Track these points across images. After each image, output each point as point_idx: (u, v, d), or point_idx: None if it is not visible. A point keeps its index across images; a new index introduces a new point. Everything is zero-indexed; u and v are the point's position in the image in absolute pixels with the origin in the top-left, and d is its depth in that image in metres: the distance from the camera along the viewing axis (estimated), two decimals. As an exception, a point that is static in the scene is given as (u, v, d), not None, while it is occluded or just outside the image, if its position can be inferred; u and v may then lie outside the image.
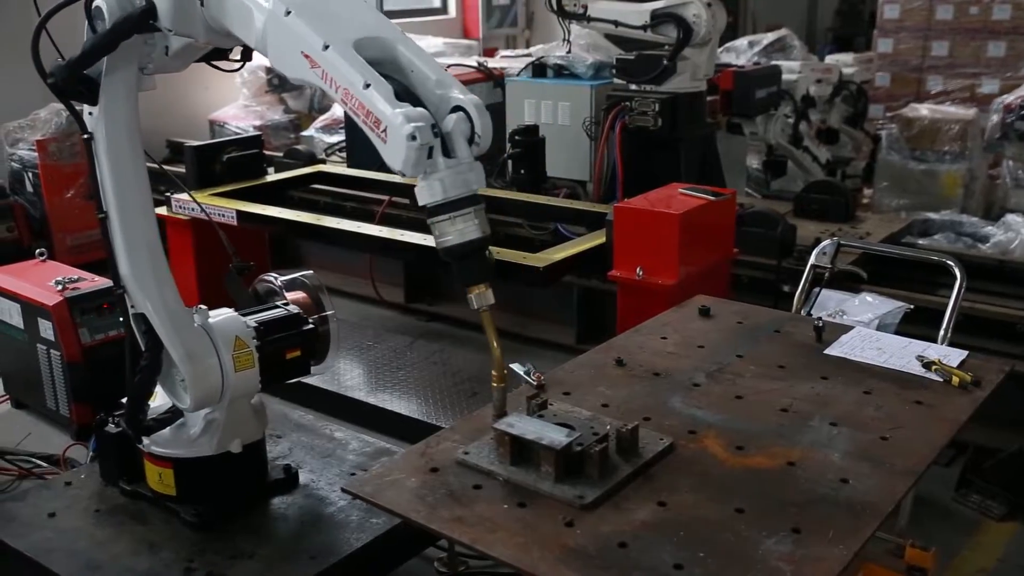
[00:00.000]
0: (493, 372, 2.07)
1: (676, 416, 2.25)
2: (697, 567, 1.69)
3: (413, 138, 1.82)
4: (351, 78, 1.87)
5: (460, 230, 1.92)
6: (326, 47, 1.89)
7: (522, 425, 2.00)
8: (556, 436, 1.96)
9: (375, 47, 1.97)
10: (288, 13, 1.92)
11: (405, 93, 1.91)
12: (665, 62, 4.78)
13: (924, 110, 6.50)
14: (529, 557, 1.73)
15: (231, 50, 2.27)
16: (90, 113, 2.24)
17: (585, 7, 5.01)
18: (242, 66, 2.33)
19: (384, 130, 1.84)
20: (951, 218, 5.69)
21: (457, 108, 1.91)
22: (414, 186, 1.94)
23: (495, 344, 2.02)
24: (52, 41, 2.17)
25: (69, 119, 6.14)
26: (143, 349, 2.48)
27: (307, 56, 1.91)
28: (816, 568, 1.69)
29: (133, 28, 2.10)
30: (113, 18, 2.11)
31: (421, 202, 1.93)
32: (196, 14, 2.08)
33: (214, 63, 2.30)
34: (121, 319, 2.51)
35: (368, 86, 1.85)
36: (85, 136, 2.27)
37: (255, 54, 2.23)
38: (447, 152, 1.89)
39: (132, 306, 2.44)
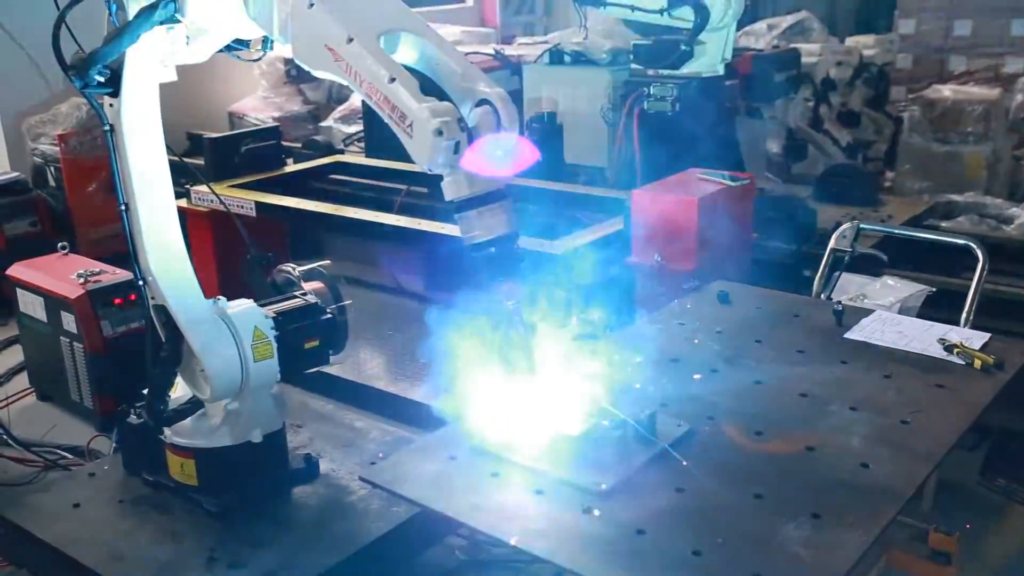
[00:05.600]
0: (521, 364, 2.05)
1: (694, 402, 2.24)
2: (715, 553, 1.69)
3: (440, 133, 1.80)
4: (376, 72, 1.85)
5: (487, 225, 1.91)
6: (350, 40, 1.87)
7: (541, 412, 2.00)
8: (574, 423, 1.96)
9: (400, 40, 1.95)
10: (311, 5, 1.91)
11: (430, 86, 1.90)
12: (682, 47, 4.73)
13: (947, 91, 6.40)
14: (547, 544, 1.73)
15: (251, 40, 2.27)
16: (111, 105, 2.25)
17: (601, -9, 4.97)
18: (263, 56, 2.33)
19: (410, 125, 1.82)
20: (975, 200, 5.62)
21: (483, 101, 1.89)
22: (433, 176, 1.93)
23: (523, 340, 2.01)
24: (71, 34, 2.18)
25: (90, 113, 6.18)
26: (163, 340, 2.49)
27: (331, 49, 1.90)
28: (836, 554, 1.68)
29: (155, 19, 2.10)
30: (134, 9, 2.12)
31: (448, 197, 1.91)
32: (217, 5, 2.08)
33: (235, 53, 2.30)
34: (142, 311, 2.53)
35: (393, 80, 1.83)
36: (106, 128, 2.28)
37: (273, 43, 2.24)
38: None
39: (152, 298, 2.45)
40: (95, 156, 6.15)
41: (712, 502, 1.85)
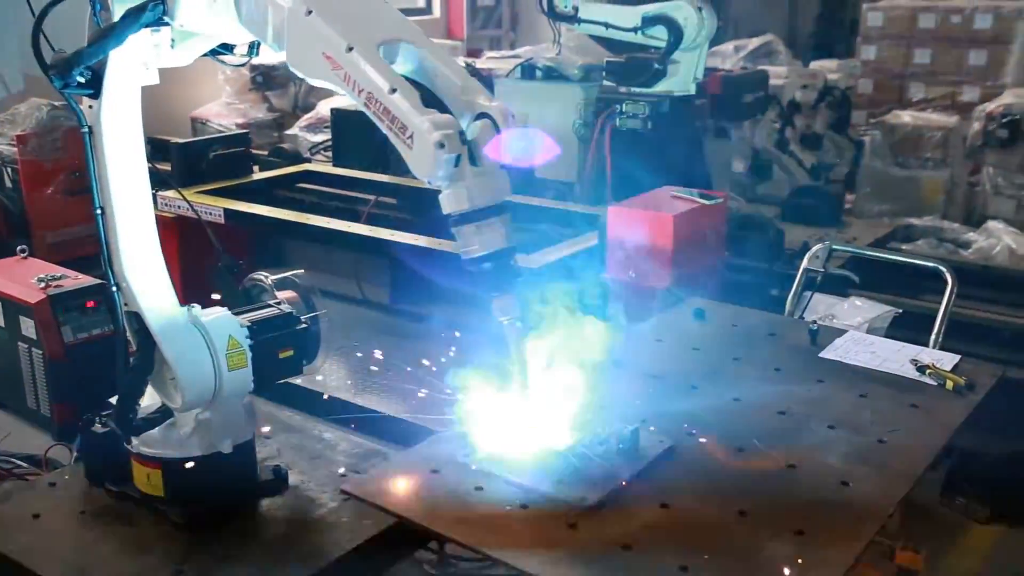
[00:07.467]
0: (515, 383, 2.03)
1: (675, 418, 2.25)
2: (702, 569, 1.69)
3: (442, 146, 1.77)
4: (376, 82, 1.82)
5: (485, 240, 1.88)
6: (349, 49, 1.84)
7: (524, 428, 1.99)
8: (558, 437, 1.95)
9: (399, 50, 1.93)
10: (309, 12, 1.87)
11: (431, 98, 1.87)
12: (656, 65, 4.79)
13: (907, 117, 6.56)
14: (533, 559, 1.72)
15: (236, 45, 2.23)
16: (90, 106, 2.20)
17: (576, 8, 5.01)
18: (248, 61, 2.29)
19: (410, 137, 1.79)
20: (933, 224, 5.75)
21: (482, 115, 1.87)
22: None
23: (519, 356, 1.99)
24: (45, 37, 2.13)
25: (50, 114, 6.06)
26: (135, 348, 2.44)
27: (329, 57, 1.85)
28: (820, 570, 1.70)
29: (143, 22, 2.05)
30: (119, 10, 2.07)
31: (446, 211, 1.88)
32: (207, 9, 2.04)
33: (220, 58, 2.26)
34: (111, 317, 2.47)
35: (394, 91, 1.80)
36: (84, 130, 2.22)
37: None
38: (473, 160, 1.84)
39: (126, 304, 2.40)
40: (54, 158, 6.02)
41: (697, 518, 1.85)
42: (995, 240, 5.36)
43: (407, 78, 1.88)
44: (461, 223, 1.87)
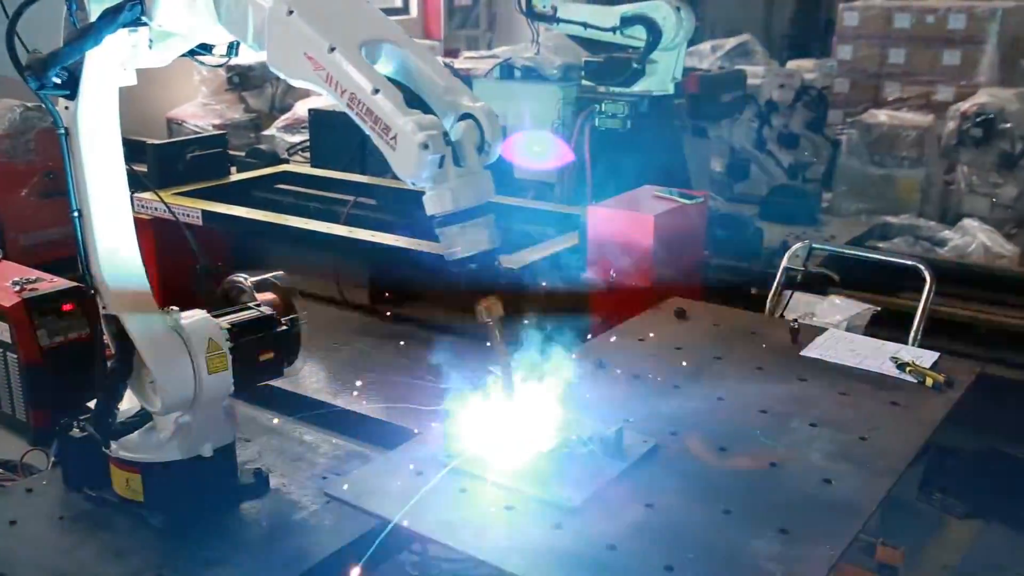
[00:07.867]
0: (499, 385, 2.02)
1: (658, 418, 2.26)
2: (688, 568, 1.69)
3: (426, 147, 1.76)
4: (359, 82, 1.81)
5: (470, 241, 1.87)
6: (332, 49, 1.82)
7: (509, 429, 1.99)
8: (542, 439, 1.95)
9: (381, 50, 1.92)
10: (291, 12, 1.85)
11: (413, 99, 1.86)
12: (634, 65, 4.81)
13: (883, 116, 6.61)
14: (519, 560, 1.72)
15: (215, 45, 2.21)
16: (67, 107, 2.17)
17: (555, 8, 5.03)
18: (227, 61, 2.27)
19: (394, 138, 1.78)
20: (910, 222, 5.81)
21: (466, 115, 1.86)
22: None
23: (502, 357, 1.98)
24: (19, 38, 2.10)
25: (23, 115, 5.99)
26: (113, 351, 2.41)
27: (310, 58, 1.84)
28: (806, 568, 1.71)
29: (120, 22, 2.03)
30: (95, 10, 2.05)
31: (430, 212, 1.87)
32: (186, 9, 2.02)
33: (198, 58, 2.24)
34: (88, 320, 2.45)
35: (377, 91, 1.79)
36: (61, 131, 2.19)
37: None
38: (457, 161, 1.83)
39: (104, 307, 2.37)
40: (28, 160, 5.95)
41: (681, 517, 1.86)
42: (970, 238, 5.42)
43: (390, 78, 1.87)
44: (445, 224, 1.86)
